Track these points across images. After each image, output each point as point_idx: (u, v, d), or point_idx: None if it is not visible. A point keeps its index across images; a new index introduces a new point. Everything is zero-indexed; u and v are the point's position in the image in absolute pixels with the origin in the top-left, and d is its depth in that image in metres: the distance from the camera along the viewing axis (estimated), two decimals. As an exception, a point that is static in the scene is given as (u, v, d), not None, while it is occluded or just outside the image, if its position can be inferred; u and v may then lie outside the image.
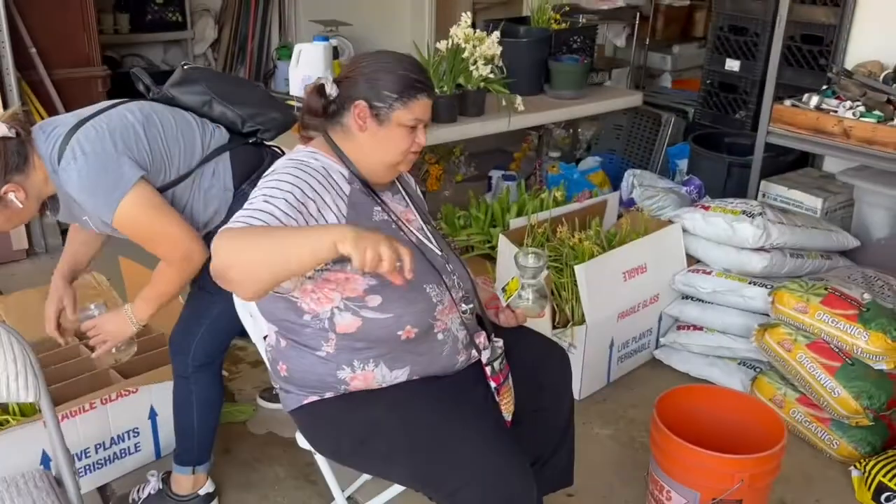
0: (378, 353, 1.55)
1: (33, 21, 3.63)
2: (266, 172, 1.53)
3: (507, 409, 1.64)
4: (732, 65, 3.86)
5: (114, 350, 1.89)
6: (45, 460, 2.00)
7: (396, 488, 1.72)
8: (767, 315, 2.54)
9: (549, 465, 1.80)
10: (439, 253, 1.65)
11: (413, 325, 1.54)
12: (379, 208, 1.58)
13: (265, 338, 1.73)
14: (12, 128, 1.63)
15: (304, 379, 1.58)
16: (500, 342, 1.66)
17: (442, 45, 3.02)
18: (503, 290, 1.71)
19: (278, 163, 1.56)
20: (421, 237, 1.64)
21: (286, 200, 1.40)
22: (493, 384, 1.61)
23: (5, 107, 3.36)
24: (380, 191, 1.62)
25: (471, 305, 1.66)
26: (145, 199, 1.68)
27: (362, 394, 1.57)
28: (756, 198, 3.15)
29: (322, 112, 1.57)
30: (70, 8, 3.77)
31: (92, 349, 1.97)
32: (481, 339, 1.66)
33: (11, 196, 1.63)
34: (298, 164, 1.51)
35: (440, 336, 1.59)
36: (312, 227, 1.40)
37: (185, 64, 1.98)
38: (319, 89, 1.56)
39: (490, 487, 1.45)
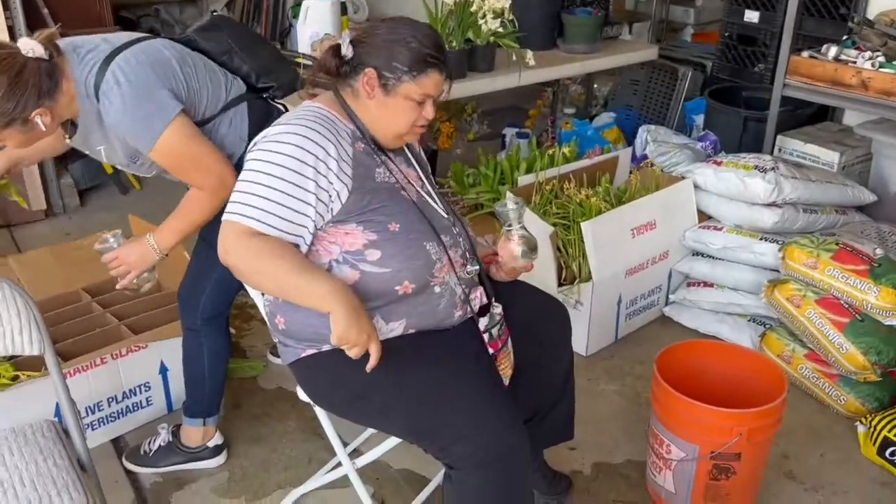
0: (374, 306, 1.56)
1: (46, -19, 3.64)
2: (277, 126, 1.52)
3: (504, 373, 1.65)
4: (752, 16, 3.75)
5: (135, 281, 1.90)
6: (59, 413, 2.06)
7: (395, 440, 1.75)
8: (778, 271, 2.51)
9: (547, 419, 1.81)
10: (444, 215, 1.65)
11: (411, 281, 1.55)
12: (381, 169, 1.59)
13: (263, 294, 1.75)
14: (47, 49, 1.61)
15: (301, 331, 1.60)
16: (498, 308, 1.65)
17: (450, -1, 2.98)
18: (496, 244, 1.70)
19: (287, 119, 1.55)
20: (423, 194, 1.64)
21: (297, 190, 1.46)
22: (490, 350, 1.62)
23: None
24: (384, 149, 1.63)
25: (476, 268, 1.66)
26: (186, 128, 1.71)
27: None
28: (772, 153, 3.09)
29: (335, 72, 1.57)
30: (81, -33, 3.77)
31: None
32: (477, 294, 1.66)
33: (38, 119, 1.61)
34: (308, 123, 1.51)
35: (437, 289, 1.60)
36: (318, 283, 1.43)
37: (213, 10, 1.99)
38: (336, 49, 1.56)
39: (482, 442, 1.47)
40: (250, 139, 1.83)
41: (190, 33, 1.90)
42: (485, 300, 1.67)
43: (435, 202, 1.66)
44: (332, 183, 1.49)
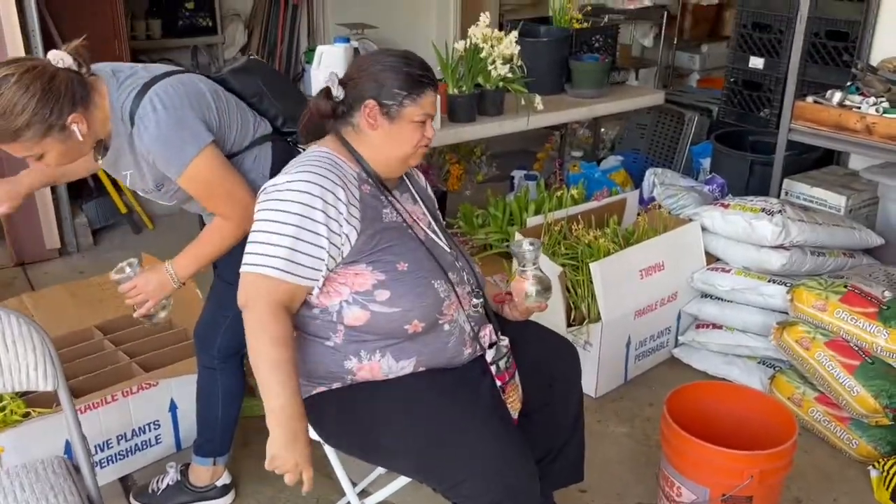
0: (385, 345, 1.57)
1: (66, 28, 3.73)
2: (284, 175, 1.55)
3: (513, 406, 1.65)
4: (756, 62, 3.82)
5: (152, 310, 1.89)
6: (69, 451, 2.06)
7: (404, 479, 1.75)
8: (786, 313, 2.51)
9: (558, 460, 1.81)
10: (448, 250, 1.68)
11: (420, 320, 1.57)
12: (388, 209, 1.61)
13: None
14: (76, 60, 1.64)
15: (313, 370, 1.62)
16: (505, 341, 1.67)
17: (460, 45, 3.05)
18: (507, 283, 1.72)
19: (294, 167, 1.57)
20: (430, 233, 1.67)
21: (311, 235, 1.49)
22: (498, 382, 1.63)
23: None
24: (390, 188, 1.65)
25: (481, 300, 1.68)
26: (216, 158, 1.76)
27: (368, 385, 1.59)
28: (779, 196, 3.11)
29: (332, 114, 1.60)
30: (102, 15, 3.88)
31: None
32: (487, 331, 1.68)
33: (75, 128, 1.63)
34: (314, 169, 1.53)
35: (446, 327, 1.61)
36: (273, 395, 1.48)
37: (250, 54, 2.05)
38: (326, 92, 1.59)
39: (492, 481, 1.46)
40: (272, 177, 1.90)
41: (224, 73, 1.96)
42: (494, 338, 1.69)
43: (440, 238, 1.68)
44: (341, 226, 1.52)
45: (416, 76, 1.58)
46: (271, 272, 1.48)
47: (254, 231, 1.53)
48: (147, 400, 2.24)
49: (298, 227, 1.49)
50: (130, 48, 4.14)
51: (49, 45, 3.59)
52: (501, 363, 1.63)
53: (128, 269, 1.85)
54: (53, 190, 3.60)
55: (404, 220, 1.62)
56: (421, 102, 1.58)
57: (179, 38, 5.41)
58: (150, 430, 2.27)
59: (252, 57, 2.01)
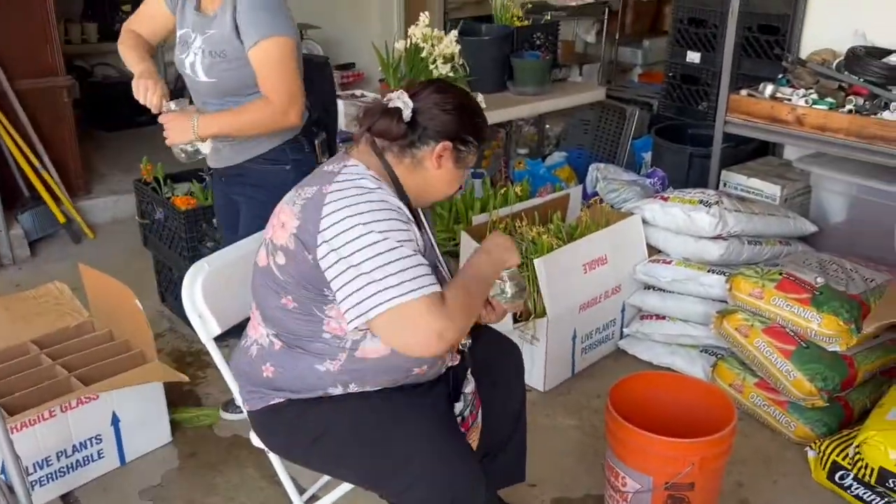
0: (381, 381, 1.55)
1: (-5, 32, 3.63)
2: (353, 211, 1.43)
3: (473, 443, 1.64)
4: (693, 57, 3.90)
5: (184, 148, 2.06)
6: (5, 470, 2.00)
7: (349, 485, 1.74)
8: (726, 302, 2.58)
9: (499, 459, 1.82)
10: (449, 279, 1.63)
11: (429, 365, 1.56)
12: (427, 242, 1.58)
13: (221, 337, 1.74)
14: None
15: (290, 383, 1.56)
16: (470, 386, 1.65)
17: (400, 45, 3.05)
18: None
19: (356, 194, 1.46)
20: (439, 261, 1.64)
21: (417, 257, 1.44)
22: (462, 429, 1.62)
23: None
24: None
25: (469, 341, 1.66)
26: (295, 50, 1.99)
27: (320, 397, 1.57)
28: (717, 187, 3.19)
29: (400, 137, 1.51)
30: (32, 19, 3.76)
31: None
32: (455, 360, 1.66)
33: None
34: (381, 204, 1.45)
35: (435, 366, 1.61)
36: (483, 267, 1.57)
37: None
38: (399, 114, 1.50)
39: (437, 486, 1.47)
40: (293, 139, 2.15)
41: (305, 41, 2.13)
42: (457, 360, 1.66)
43: (443, 268, 1.65)
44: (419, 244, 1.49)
45: (484, 127, 1.60)
46: (426, 290, 1.39)
47: (370, 271, 1.39)
48: (87, 414, 2.18)
49: (407, 251, 1.42)
50: (65, 52, 4.01)
51: (-24, 51, 3.48)
52: (466, 412, 1.63)
53: (172, 104, 2.06)
54: (-14, 201, 3.50)
55: (433, 256, 1.59)
56: (477, 153, 1.60)
57: (116, 41, 5.29)
58: (91, 445, 2.22)
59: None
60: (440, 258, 1.66)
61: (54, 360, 2.31)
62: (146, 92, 2.06)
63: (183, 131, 2.02)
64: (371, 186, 1.48)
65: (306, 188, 1.51)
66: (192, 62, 2.09)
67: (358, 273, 1.39)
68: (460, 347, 1.66)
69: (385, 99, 1.55)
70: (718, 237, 2.69)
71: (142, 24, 2.27)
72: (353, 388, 1.55)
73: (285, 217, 1.50)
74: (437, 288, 1.41)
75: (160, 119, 2.06)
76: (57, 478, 2.17)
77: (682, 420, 2.01)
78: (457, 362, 1.66)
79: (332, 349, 1.52)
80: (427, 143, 1.52)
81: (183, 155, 2.10)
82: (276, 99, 1.98)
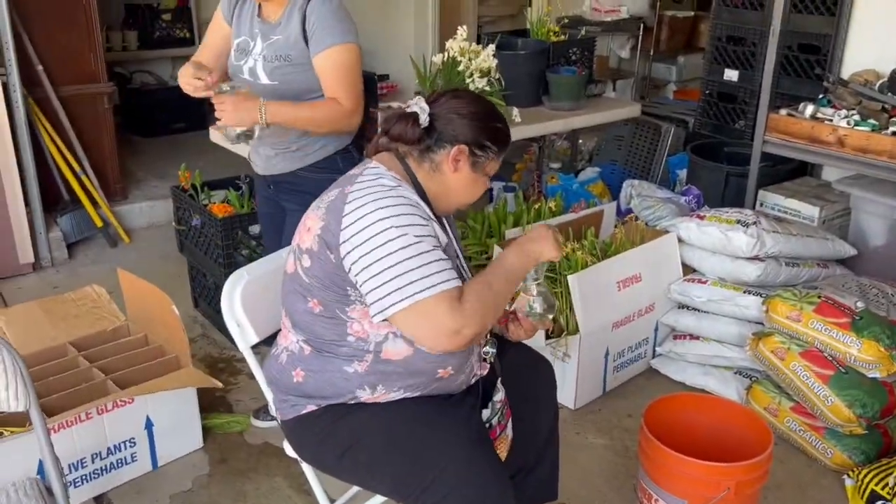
0: (408, 384, 1.55)
1: (39, 39, 3.71)
2: (375, 209, 1.45)
3: (501, 453, 1.63)
4: (731, 75, 3.87)
5: (238, 130, 2.05)
6: (42, 471, 2.03)
7: (381, 497, 1.74)
8: (762, 324, 2.54)
9: (531, 476, 1.80)
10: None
11: (454, 368, 1.56)
12: (448, 241, 1.57)
13: (257, 346, 1.75)
14: None
15: (316, 389, 1.57)
16: (500, 394, 1.64)
17: (438, 58, 3.06)
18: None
19: (377, 195, 1.47)
20: (463, 273, 1.63)
21: (437, 252, 1.45)
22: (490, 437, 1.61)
23: (12, 124, 3.43)
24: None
25: (493, 350, 1.66)
26: (359, 57, 2.09)
27: (348, 405, 1.58)
28: (753, 207, 3.15)
29: (416, 142, 1.55)
30: (76, 26, 3.84)
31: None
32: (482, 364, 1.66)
33: None
34: (400, 200, 1.47)
35: (464, 371, 1.60)
36: (509, 263, 1.54)
37: None
38: (414, 119, 1.54)
39: (468, 498, 1.46)
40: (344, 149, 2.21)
41: None
42: (485, 369, 1.66)
43: (465, 270, 1.65)
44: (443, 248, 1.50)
45: (503, 134, 1.59)
46: (445, 286, 1.41)
47: (390, 267, 1.41)
48: (122, 417, 2.21)
49: (430, 242, 1.44)
50: (106, 60, 4.10)
51: (23, 57, 3.56)
52: (494, 420, 1.62)
53: (225, 86, 2.03)
54: (27, 202, 3.56)
55: (453, 255, 1.58)
56: (498, 160, 1.60)
57: (157, 49, 5.39)
58: (125, 448, 2.24)
59: None
60: (462, 259, 1.66)
61: (91, 362, 2.34)
62: (189, 73, 2.03)
63: (248, 114, 1.99)
64: (391, 184, 1.51)
65: (330, 192, 1.55)
66: (252, 67, 2.14)
67: (379, 269, 1.42)
68: (484, 357, 1.65)
69: (405, 105, 1.59)
70: (756, 258, 2.65)
71: (205, 49, 2.29)
72: (380, 391, 1.55)
73: (311, 222, 1.54)
74: (456, 283, 1.43)
75: (215, 98, 2.02)
76: (91, 479, 2.19)
77: (717, 443, 1.99)
78: (485, 372, 1.66)
79: (357, 351, 1.53)
80: (444, 146, 1.55)
81: (234, 136, 2.08)
82: (346, 101, 2.05)
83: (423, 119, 1.54)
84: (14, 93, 3.45)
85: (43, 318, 2.53)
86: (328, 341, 1.55)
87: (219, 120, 2.03)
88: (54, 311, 2.58)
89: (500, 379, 1.66)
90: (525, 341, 1.81)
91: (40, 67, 3.71)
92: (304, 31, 2.05)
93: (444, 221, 1.68)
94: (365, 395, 1.56)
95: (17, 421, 2.04)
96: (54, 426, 2.05)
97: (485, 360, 1.66)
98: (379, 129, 1.64)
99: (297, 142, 2.18)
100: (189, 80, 2.04)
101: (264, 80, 2.12)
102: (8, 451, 1.99)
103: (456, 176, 1.56)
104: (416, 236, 1.43)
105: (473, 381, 1.65)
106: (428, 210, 1.54)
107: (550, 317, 1.69)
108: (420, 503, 1.51)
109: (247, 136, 2.09)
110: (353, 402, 1.57)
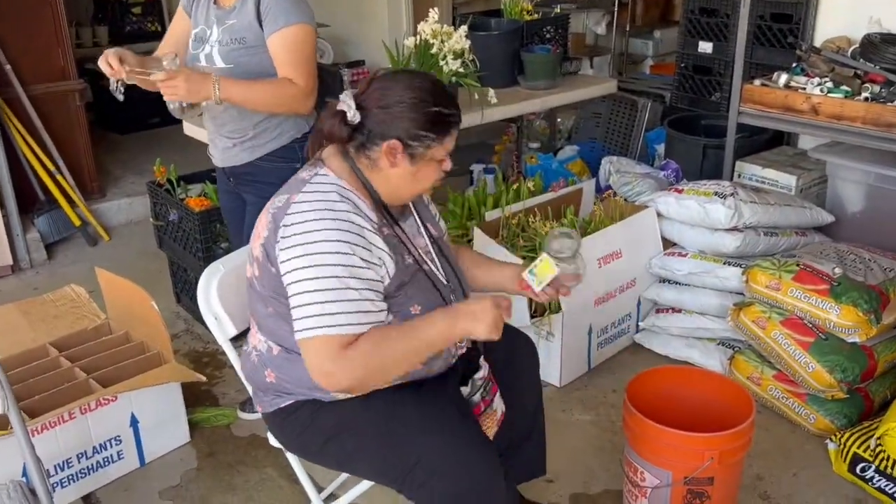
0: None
1: (6, 37, 3.66)
2: (310, 223, 1.44)
3: (488, 432, 1.63)
4: (705, 47, 3.87)
5: (184, 105, 2.04)
6: (27, 474, 2.02)
7: (369, 483, 1.74)
8: (743, 294, 2.56)
9: (519, 454, 1.82)
10: (445, 283, 1.62)
11: (423, 362, 1.55)
12: (404, 250, 1.55)
13: (237, 338, 1.74)
14: None
15: (292, 388, 1.58)
16: (481, 371, 1.63)
17: (410, 41, 3.04)
18: (531, 272, 1.64)
19: (316, 208, 1.45)
20: (432, 267, 1.61)
21: (356, 290, 1.43)
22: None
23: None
24: (396, 215, 1.58)
25: (464, 342, 1.65)
26: (314, 39, 2.08)
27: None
28: (731, 178, 3.16)
29: (347, 140, 1.50)
30: (43, 23, 3.79)
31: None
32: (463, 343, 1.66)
33: None
34: (345, 216, 1.45)
35: (439, 358, 1.60)
36: (432, 332, 1.46)
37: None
38: (342, 116, 1.48)
39: (455, 478, 1.47)
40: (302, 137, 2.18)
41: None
42: (462, 350, 1.66)
43: (439, 272, 1.62)
44: (386, 270, 1.48)
45: (444, 116, 1.48)
46: (339, 330, 1.40)
47: (299, 294, 1.42)
48: (106, 416, 2.20)
49: (355, 276, 1.42)
50: (76, 56, 4.04)
51: (-11, 56, 3.50)
52: (476, 397, 1.62)
53: (165, 62, 1.97)
54: (2, 204, 3.52)
55: (416, 259, 1.56)
56: (446, 143, 1.50)
57: (128, 43, 5.32)
58: (111, 447, 2.23)
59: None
60: (436, 261, 1.62)
61: (73, 362, 2.33)
62: (108, 59, 1.95)
63: (201, 87, 1.97)
64: (336, 200, 1.46)
65: (280, 196, 1.53)
66: (209, 53, 2.13)
67: (298, 291, 1.43)
68: (459, 340, 1.63)
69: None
70: (734, 229, 2.66)
71: (167, 41, 2.30)
72: None
73: (261, 226, 1.53)
74: (355, 329, 1.41)
75: (160, 77, 1.94)
76: (78, 479, 2.19)
77: (700, 414, 2.00)
78: (463, 351, 1.66)
79: None
80: (377, 142, 1.48)
81: (182, 112, 2.09)
82: (301, 82, 2.04)
83: (351, 115, 1.47)
84: (-20, 91, 3.41)
85: (21, 321, 2.51)
86: (293, 342, 1.51)
87: (169, 95, 1.99)
88: (33, 313, 2.56)
89: (482, 357, 1.66)
90: (507, 320, 1.81)
91: (8, 67, 3.66)
92: (258, 13, 2.05)
93: (416, 216, 1.65)
94: (340, 394, 1.55)
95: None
96: (37, 427, 2.04)
97: (458, 344, 1.65)
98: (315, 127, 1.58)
99: (254, 129, 2.17)
100: (103, 63, 1.97)
101: (220, 63, 2.13)
102: (-9, 454, 1.97)
103: (397, 171, 1.49)
104: (344, 266, 1.41)
105: (454, 361, 1.65)
106: (374, 222, 1.48)
107: (580, 270, 1.68)
108: (406, 485, 1.52)
109: (192, 107, 2.09)
110: (331, 398, 1.56)
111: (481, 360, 1.66)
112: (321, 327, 1.40)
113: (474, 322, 1.44)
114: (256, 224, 1.56)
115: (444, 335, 1.46)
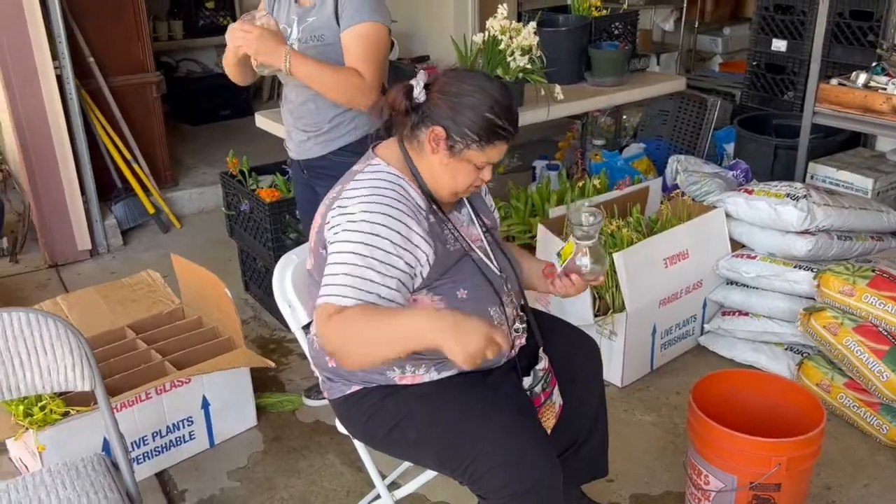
0: (433, 361, 1.58)
1: (90, 32, 3.81)
2: (361, 203, 1.49)
3: (546, 424, 1.65)
4: (779, 45, 3.77)
5: (257, 63, 2.04)
6: (106, 448, 2.12)
7: (432, 473, 1.77)
8: (813, 299, 2.50)
9: (581, 453, 1.82)
10: (498, 273, 1.64)
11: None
12: (450, 237, 1.58)
13: (307, 326, 1.79)
14: None
15: (352, 373, 1.62)
16: (542, 363, 1.65)
17: (478, 37, 3.05)
18: (557, 255, 1.66)
19: (369, 192, 1.51)
20: (483, 257, 1.63)
21: (389, 269, 1.45)
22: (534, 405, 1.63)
23: (67, 116, 3.53)
24: (446, 208, 1.62)
25: (524, 325, 1.68)
26: (388, 39, 2.13)
27: (391, 384, 1.61)
28: (804, 180, 3.08)
29: (404, 113, 1.54)
30: (124, 17, 3.93)
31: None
32: (522, 339, 1.68)
33: None
34: (389, 200, 1.49)
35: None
36: (413, 326, 1.37)
37: None
38: (408, 90, 1.53)
39: (514, 472, 1.48)
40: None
41: None
42: (523, 341, 1.68)
43: (492, 262, 1.64)
44: (417, 259, 1.50)
45: (495, 126, 1.50)
46: (342, 301, 1.42)
47: (336, 263, 1.46)
48: (180, 397, 2.29)
49: (378, 261, 1.45)
50: (153, 50, 4.18)
51: (74, 48, 3.66)
52: (537, 388, 1.63)
53: (258, 15, 2.02)
54: (83, 191, 3.67)
55: (463, 247, 1.60)
56: (487, 151, 1.52)
57: (202, 37, 5.48)
58: (183, 427, 2.32)
59: None
60: (487, 249, 1.64)
61: (149, 344, 2.42)
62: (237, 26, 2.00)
63: (272, 51, 1.99)
64: (384, 187, 1.51)
65: (336, 187, 1.59)
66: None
67: (332, 261, 1.47)
68: (515, 334, 1.65)
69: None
70: (806, 232, 2.60)
71: None
72: (409, 371, 1.58)
73: (319, 217, 1.58)
74: (355, 302, 1.41)
75: (244, 27, 1.98)
76: (152, 457, 2.28)
77: (767, 419, 1.97)
78: (523, 342, 1.67)
79: None
80: (427, 124, 1.52)
81: (254, 67, 2.07)
82: (367, 75, 2.07)
83: (417, 92, 1.52)
84: (68, 85, 3.56)
85: (101, 303, 2.63)
86: None
87: (241, 46, 1.99)
88: (112, 296, 2.67)
89: (541, 348, 1.68)
90: (571, 320, 1.81)
91: (91, 59, 3.81)
92: (336, 10, 2.10)
93: (469, 206, 1.67)
94: (396, 376, 1.59)
95: (80, 401, 2.14)
96: (117, 405, 2.14)
97: (516, 335, 1.66)
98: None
99: (329, 123, 2.21)
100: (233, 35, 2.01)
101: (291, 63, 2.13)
102: (75, 429, 2.08)
103: (436, 158, 1.53)
104: (379, 237, 1.44)
105: (513, 354, 1.66)
106: (422, 209, 1.52)
107: (601, 272, 1.66)
108: (468, 476, 1.54)
109: (262, 70, 2.07)
110: (387, 383, 1.60)
111: (541, 351, 1.68)
112: (328, 295, 1.44)
113: (456, 338, 1.30)
114: (315, 216, 1.62)
115: (419, 341, 1.36)
